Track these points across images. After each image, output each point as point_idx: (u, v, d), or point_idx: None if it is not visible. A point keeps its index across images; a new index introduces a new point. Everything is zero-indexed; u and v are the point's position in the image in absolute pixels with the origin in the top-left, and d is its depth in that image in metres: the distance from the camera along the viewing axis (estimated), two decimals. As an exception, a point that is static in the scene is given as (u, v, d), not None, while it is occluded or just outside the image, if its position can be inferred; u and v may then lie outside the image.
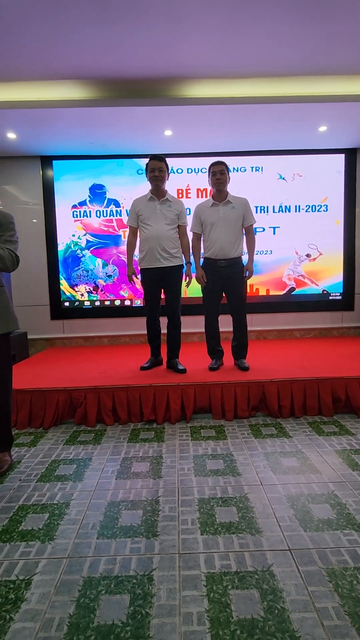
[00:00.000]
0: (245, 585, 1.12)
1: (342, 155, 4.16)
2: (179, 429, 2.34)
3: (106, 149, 3.93)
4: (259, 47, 2.60)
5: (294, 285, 4.27)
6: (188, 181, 4.17)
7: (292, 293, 4.28)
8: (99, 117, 3.19)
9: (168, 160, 4.02)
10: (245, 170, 4.13)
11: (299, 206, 4.19)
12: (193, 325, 3.93)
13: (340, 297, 4.31)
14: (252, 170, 4.17)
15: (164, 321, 2.90)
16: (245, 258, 2.84)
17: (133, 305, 4.27)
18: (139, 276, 2.84)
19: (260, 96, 3.06)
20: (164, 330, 2.94)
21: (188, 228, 2.86)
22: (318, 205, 4.21)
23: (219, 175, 2.72)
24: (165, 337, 2.93)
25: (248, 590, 1.09)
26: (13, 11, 2.22)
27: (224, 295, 2.84)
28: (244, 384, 2.50)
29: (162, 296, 2.85)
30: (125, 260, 4.03)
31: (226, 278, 2.76)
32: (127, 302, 4.27)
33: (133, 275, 2.82)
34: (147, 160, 3.99)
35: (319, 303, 4.31)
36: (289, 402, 2.49)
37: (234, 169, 4.16)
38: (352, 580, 1.12)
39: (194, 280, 2.86)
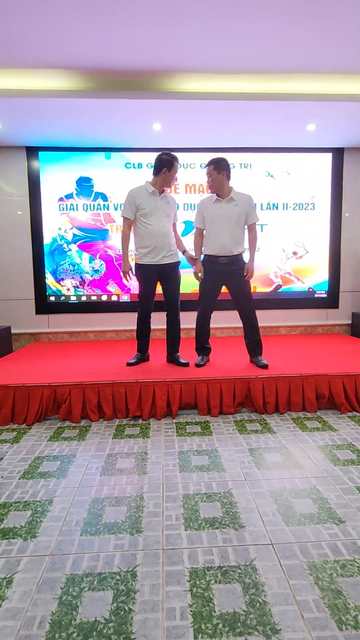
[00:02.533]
0: (228, 579, 1.13)
1: (330, 154, 4.19)
2: (164, 425, 2.34)
3: (94, 141, 3.87)
4: (250, 43, 2.59)
5: (280, 283, 4.31)
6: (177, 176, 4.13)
7: (279, 290, 4.32)
8: (87, 108, 3.12)
9: (155, 155, 4.02)
10: (234, 167, 4.12)
11: (287, 204, 4.21)
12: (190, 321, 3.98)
13: (325, 295, 4.37)
14: (240, 167, 4.17)
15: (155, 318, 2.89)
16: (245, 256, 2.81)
17: (120, 300, 4.23)
18: (132, 270, 2.81)
19: (250, 92, 3.06)
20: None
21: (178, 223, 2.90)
22: (305, 204, 4.24)
23: (207, 178, 2.75)
24: (161, 332, 2.94)
25: (230, 585, 1.11)
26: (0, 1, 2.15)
27: (221, 292, 2.83)
28: (230, 380, 2.52)
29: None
30: (120, 254, 4.03)
31: (227, 274, 2.74)
32: (114, 298, 4.23)
33: (130, 271, 2.77)
34: (135, 153, 4.02)
35: (305, 300, 4.36)
36: (274, 398, 2.52)
37: (222, 165, 4.15)
38: (332, 573, 1.15)
39: (189, 277, 2.87)
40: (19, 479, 1.74)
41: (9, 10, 2.25)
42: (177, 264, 2.81)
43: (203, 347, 2.91)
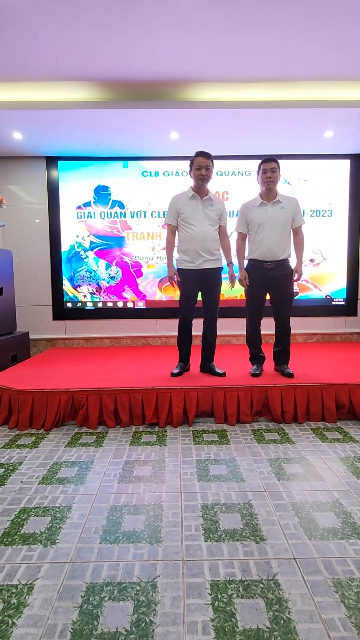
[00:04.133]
0: (250, 594, 1.10)
1: (348, 161, 4.16)
2: (181, 433, 2.33)
3: (111, 150, 3.94)
4: (266, 52, 2.61)
5: (297, 290, 4.26)
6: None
7: (296, 298, 4.27)
8: (105, 119, 3.19)
9: (172, 163, 4.09)
10: (250, 174, 4.14)
11: (304, 211, 4.18)
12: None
13: (343, 303, 4.30)
14: (258, 168, 4.16)
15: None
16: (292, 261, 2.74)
17: (135, 307, 4.26)
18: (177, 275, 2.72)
19: (266, 100, 3.07)
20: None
21: (228, 228, 2.78)
22: (323, 210, 4.21)
23: (270, 173, 2.58)
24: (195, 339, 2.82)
25: (253, 600, 1.08)
26: (24, 14, 2.22)
27: (267, 298, 2.76)
28: (247, 388, 2.49)
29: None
30: (136, 260, 4.10)
31: (273, 279, 2.66)
32: (130, 304, 4.26)
33: (175, 276, 2.68)
34: (152, 162, 4.07)
35: (322, 308, 4.30)
36: (292, 407, 2.47)
37: (239, 172, 4.16)
38: (359, 592, 1.11)
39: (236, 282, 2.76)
40: (38, 484, 1.75)
41: (31, 26, 2.33)
42: (219, 269, 2.69)
43: (257, 355, 2.84)
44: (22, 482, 1.77)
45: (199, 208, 2.62)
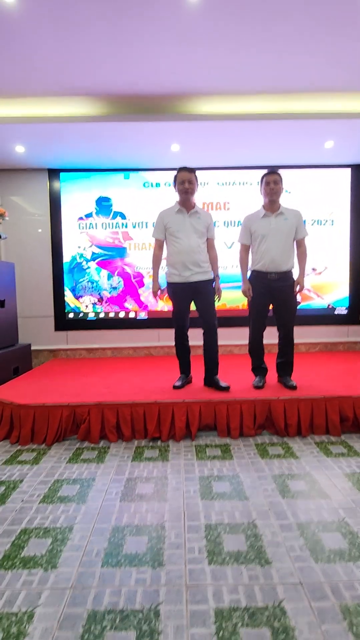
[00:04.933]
0: (256, 622, 1.07)
1: (349, 170, 4.17)
2: (183, 448, 2.30)
3: (113, 162, 3.97)
4: (266, 65, 2.63)
5: (299, 299, 4.25)
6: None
7: (298, 307, 4.25)
8: (107, 132, 3.22)
9: (173, 174, 4.07)
10: (251, 184, 4.15)
11: (305, 220, 4.17)
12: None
13: (346, 312, 4.28)
14: (259, 184, 4.18)
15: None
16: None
17: (137, 317, 4.25)
18: (162, 290, 2.74)
19: (267, 112, 3.09)
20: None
21: (215, 241, 2.78)
22: (324, 220, 4.21)
23: (272, 185, 2.62)
24: (194, 351, 2.82)
25: (259, 629, 1.05)
26: (27, 31, 2.25)
27: (270, 309, 2.76)
28: (250, 401, 2.47)
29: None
30: (137, 271, 4.11)
31: (276, 291, 2.67)
32: (132, 314, 4.26)
33: (159, 291, 2.71)
34: (153, 173, 4.10)
35: (325, 317, 4.28)
36: (296, 420, 2.45)
37: (240, 183, 4.18)
38: (367, 619, 1.08)
39: (232, 292, 2.75)
40: (39, 503, 1.72)
41: (34, 43, 2.36)
42: (210, 281, 2.69)
43: (260, 367, 2.83)
44: (22, 500, 1.74)
45: (185, 221, 2.65)
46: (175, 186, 2.68)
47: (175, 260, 2.65)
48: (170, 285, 2.71)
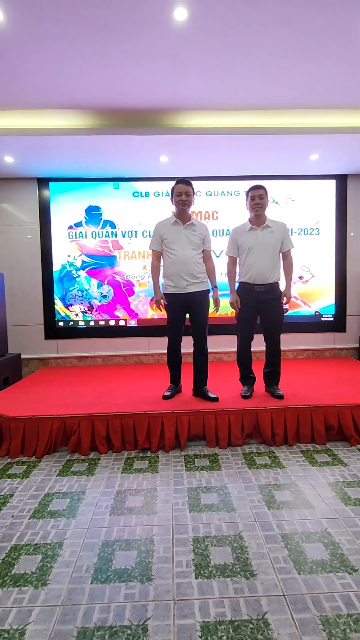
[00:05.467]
0: (240, 635, 1.12)
1: (334, 181, 4.27)
2: (173, 458, 2.34)
3: (102, 172, 3.99)
4: (253, 83, 2.70)
5: (287, 307, 4.32)
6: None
7: (285, 314, 4.33)
8: (97, 144, 3.25)
9: (162, 184, 4.16)
10: (239, 194, 4.22)
11: (292, 229, 4.27)
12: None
13: (332, 319, 4.38)
14: (246, 195, 4.25)
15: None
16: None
17: (127, 325, 4.28)
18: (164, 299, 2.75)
19: (254, 127, 3.15)
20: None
21: (216, 249, 2.82)
22: (310, 229, 4.30)
23: (257, 199, 2.67)
24: (185, 357, 2.85)
25: (243, 642, 1.10)
26: (16, 45, 2.27)
27: (258, 319, 2.81)
28: (238, 411, 2.52)
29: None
30: (127, 279, 4.14)
31: (263, 302, 2.72)
32: (122, 323, 4.28)
33: (162, 300, 2.72)
34: (142, 183, 4.14)
35: (312, 324, 4.37)
36: (283, 430, 2.51)
37: (228, 192, 4.25)
38: (346, 629, 1.13)
39: (222, 301, 2.78)
40: (30, 518, 1.74)
41: (24, 55, 2.38)
42: (205, 292, 2.72)
43: (248, 376, 2.88)
44: (13, 516, 1.76)
45: (181, 233, 2.68)
46: (172, 198, 2.71)
47: (170, 271, 2.69)
48: (166, 297, 2.74)
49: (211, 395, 2.70)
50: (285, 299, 2.75)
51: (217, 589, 1.29)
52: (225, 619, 1.17)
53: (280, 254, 2.78)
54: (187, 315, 2.78)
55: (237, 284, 2.85)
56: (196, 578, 1.34)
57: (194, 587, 1.30)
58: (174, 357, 2.83)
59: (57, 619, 1.19)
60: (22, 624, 1.17)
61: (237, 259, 2.84)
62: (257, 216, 2.71)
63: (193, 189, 2.68)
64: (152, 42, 2.27)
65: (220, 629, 1.14)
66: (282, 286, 2.79)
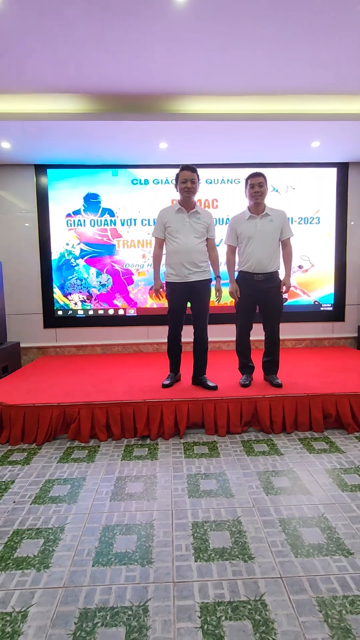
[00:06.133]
0: (238, 616, 1.14)
1: (335, 169, 4.22)
2: (172, 446, 2.36)
3: (101, 159, 3.94)
4: (254, 67, 2.64)
5: (286, 297, 4.31)
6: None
7: (284, 304, 4.33)
8: (95, 129, 3.19)
9: (162, 171, 4.10)
10: (239, 182, 4.17)
11: (292, 218, 4.24)
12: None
13: (331, 308, 4.38)
14: (245, 182, 4.20)
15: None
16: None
17: (126, 314, 4.28)
18: (163, 288, 2.74)
19: (255, 113, 3.10)
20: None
21: (217, 241, 2.77)
22: (310, 218, 4.27)
23: (257, 187, 2.63)
24: (184, 347, 2.85)
25: (241, 622, 1.12)
26: (14, 28, 2.21)
27: (257, 308, 2.80)
28: (237, 400, 2.54)
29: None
30: (127, 268, 4.13)
31: (262, 292, 2.71)
32: (121, 312, 4.28)
33: (161, 289, 2.71)
34: (141, 170, 4.08)
35: (311, 314, 4.37)
36: (281, 418, 2.53)
37: (228, 180, 4.20)
38: (342, 610, 1.16)
39: (224, 291, 2.76)
40: (31, 504, 1.77)
41: (22, 38, 2.32)
42: (207, 281, 2.70)
43: (246, 365, 2.89)
44: (14, 502, 1.78)
45: (185, 221, 2.65)
46: (176, 185, 2.67)
47: (172, 260, 2.66)
48: (168, 285, 2.72)
49: (210, 383, 2.71)
50: (284, 287, 2.74)
51: (215, 572, 1.32)
52: (224, 600, 1.20)
53: (280, 243, 2.76)
54: (189, 305, 2.77)
55: (236, 273, 2.84)
56: (195, 561, 1.37)
57: (193, 570, 1.33)
58: (174, 346, 2.83)
59: (59, 601, 1.21)
60: (25, 606, 1.20)
61: (237, 248, 2.82)
62: (257, 204, 2.69)
63: (198, 176, 2.64)
64: (152, 24, 2.21)
65: (219, 609, 1.17)
66: (282, 275, 2.79)
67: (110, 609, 1.18)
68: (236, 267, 2.84)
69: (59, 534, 1.55)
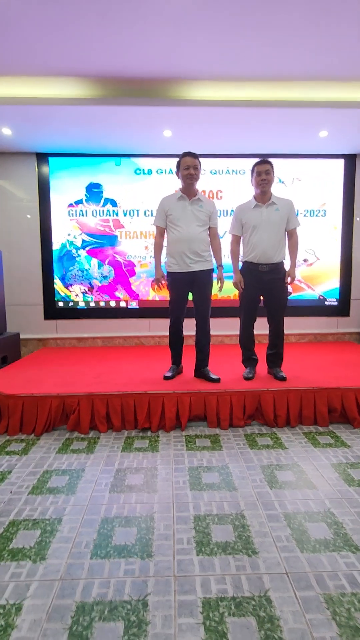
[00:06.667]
0: (242, 612, 1.09)
1: (342, 161, 4.14)
2: (173, 438, 2.31)
3: (104, 147, 3.86)
4: (260, 51, 2.56)
5: (290, 290, 4.24)
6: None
7: (289, 297, 4.26)
8: (98, 115, 3.12)
9: (166, 160, 4.03)
10: (244, 173, 4.10)
11: (298, 211, 4.16)
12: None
13: (336, 303, 4.31)
14: (251, 170, 4.12)
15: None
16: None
17: (128, 306, 4.22)
18: (164, 277, 2.68)
19: (260, 100, 3.02)
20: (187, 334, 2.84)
21: (220, 231, 2.70)
22: (316, 210, 4.19)
23: (264, 175, 2.56)
24: (187, 340, 2.80)
25: (245, 618, 1.07)
26: (13, 6, 2.14)
27: (261, 300, 2.75)
28: (240, 393, 2.48)
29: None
30: (129, 260, 4.07)
31: (267, 283, 2.65)
32: (122, 304, 4.22)
33: (162, 279, 2.65)
34: (145, 159, 4.01)
35: (315, 308, 4.30)
36: (285, 411, 2.47)
37: (233, 171, 4.12)
38: (350, 608, 1.11)
39: (226, 282, 2.70)
40: (28, 494, 1.72)
41: (22, 19, 2.25)
42: (209, 271, 2.63)
43: (250, 358, 2.83)
44: (11, 492, 1.74)
45: (187, 209, 2.58)
46: (178, 172, 2.59)
47: (174, 249, 2.59)
48: (169, 275, 2.66)
49: (213, 376, 2.66)
50: (289, 278, 2.68)
51: (218, 566, 1.27)
52: (227, 596, 1.15)
53: (286, 233, 2.69)
54: (190, 298, 2.70)
55: (240, 264, 2.77)
56: (197, 555, 1.32)
57: (195, 564, 1.28)
58: (175, 337, 2.77)
59: (55, 594, 1.17)
60: (20, 599, 1.15)
61: (241, 238, 2.75)
62: (263, 192, 2.61)
63: (200, 163, 2.57)
64: (158, 6, 2.13)
65: (222, 605, 1.12)
66: (287, 266, 2.72)
67: (109, 603, 1.13)
68: (240, 258, 2.77)
69: (57, 525, 1.50)
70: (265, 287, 2.68)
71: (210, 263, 2.66)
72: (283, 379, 2.64)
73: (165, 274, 2.69)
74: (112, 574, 1.24)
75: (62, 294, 4.19)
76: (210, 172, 4.09)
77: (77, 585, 1.20)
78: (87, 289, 4.19)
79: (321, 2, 2.12)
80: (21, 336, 4.10)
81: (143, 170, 4.09)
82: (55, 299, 4.19)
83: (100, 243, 4.15)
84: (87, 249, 4.15)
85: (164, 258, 2.71)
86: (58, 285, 4.18)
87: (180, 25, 2.29)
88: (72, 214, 4.10)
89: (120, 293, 4.21)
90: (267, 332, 2.83)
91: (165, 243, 2.69)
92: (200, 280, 2.62)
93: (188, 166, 2.51)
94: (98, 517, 1.54)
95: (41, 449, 2.19)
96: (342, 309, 4.32)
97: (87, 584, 1.20)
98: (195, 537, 1.41)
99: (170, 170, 4.06)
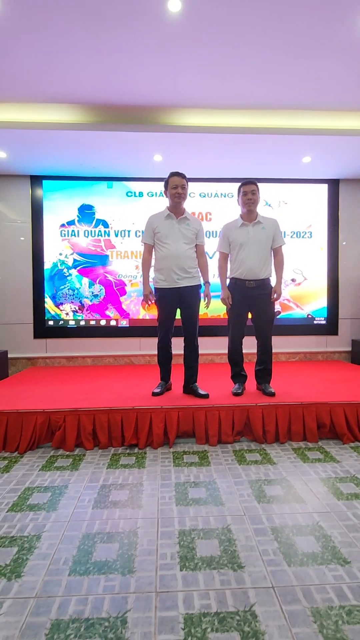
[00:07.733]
0: (226, 627, 1.04)
1: (326, 185, 4.31)
2: (161, 455, 2.26)
3: (96, 170, 3.99)
4: (248, 81, 2.72)
5: (279, 309, 4.31)
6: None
7: (278, 317, 4.31)
8: (91, 140, 3.24)
9: (156, 184, 4.16)
10: (232, 196, 4.24)
11: (285, 232, 4.28)
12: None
13: (324, 322, 4.36)
14: (238, 191, 4.27)
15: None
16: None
17: (119, 325, 4.22)
18: (152, 294, 2.71)
19: (247, 127, 3.18)
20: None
21: (205, 247, 2.78)
22: (303, 232, 4.32)
23: (250, 195, 2.66)
24: (176, 359, 2.79)
25: (228, 633, 1.02)
26: (10, 34, 2.27)
27: (249, 317, 2.78)
28: (229, 408, 2.46)
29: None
30: (119, 279, 4.11)
31: (254, 298, 2.70)
32: (113, 322, 4.22)
33: (150, 295, 2.69)
34: (136, 183, 4.14)
35: (304, 327, 4.35)
36: (274, 427, 2.45)
37: (222, 194, 4.26)
38: (338, 620, 1.06)
39: (214, 301, 2.71)
40: (7, 511, 1.65)
41: (18, 47, 2.38)
42: (196, 287, 2.67)
43: (239, 374, 2.83)
44: (-10, 509, 1.67)
45: (174, 227, 2.64)
46: (166, 191, 2.68)
47: (162, 265, 2.64)
48: (157, 291, 2.69)
49: (201, 392, 2.64)
50: (275, 295, 2.72)
51: (202, 581, 1.22)
52: (211, 611, 1.10)
53: (272, 251, 2.77)
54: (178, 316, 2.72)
55: (228, 280, 2.82)
56: (181, 570, 1.27)
57: (178, 579, 1.23)
58: (164, 353, 2.77)
59: (29, 611, 1.10)
60: (-8, 617, 1.09)
61: (229, 255, 2.82)
62: (249, 212, 2.70)
63: (187, 182, 2.66)
64: (146, 34, 2.28)
65: (204, 620, 1.07)
66: (274, 283, 2.77)
67: (85, 620, 1.07)
68: (228, 274, 2.83)
69: (35, 542, 1.43)
70: (253, 302, 2.72)
71: (197, 279, 2.70)
72: (272, 394, 2.63)
73: (153, 290, 2.72)
74: (91, 590, 1.18)
75: (53, 313, 4.19)
76: (200, 195, 4.23)
77: (53, 602, 1.14)
78: (77, 308, 4.20)
79: (303, 35, 2.29)
80: (10, 355, 4.05)
81: (134, 192, 4.21)
82: (46, 318, 4.18)
83: (92, 262, 4.20)
84: (78, 268, 4.19)
85: (152, 275, 2.75)
86: (49, 303, 4.19)
87: (169, 52, 2.44)
88: (65, 234, 4.17)
89: (111, 312, 4.22)
90: (255, 350, 2.84)
91: (153, 260, 2.74)
92: (187, 296, 2.65)
93: (176, 185, 2.60)
94: (79, 533, 1.48)
95: (24, 467, 2.12)
96: (330, 327, 4.37)
97: (63, 601, 1.14)
98: (180, 552, 1.36)
99: (161, 193, 4.19)
